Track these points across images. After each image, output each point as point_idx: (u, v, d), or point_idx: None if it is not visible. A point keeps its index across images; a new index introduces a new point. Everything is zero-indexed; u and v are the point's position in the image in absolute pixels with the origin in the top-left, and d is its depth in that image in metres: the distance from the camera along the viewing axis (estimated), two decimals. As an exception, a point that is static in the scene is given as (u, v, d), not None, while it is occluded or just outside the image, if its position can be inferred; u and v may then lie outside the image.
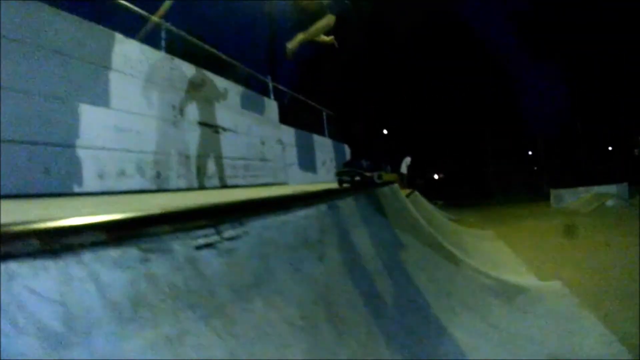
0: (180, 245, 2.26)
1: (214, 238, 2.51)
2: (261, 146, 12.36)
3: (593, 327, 5.46)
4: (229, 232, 2.65)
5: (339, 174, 6.66)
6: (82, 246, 1.83)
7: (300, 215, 3.77)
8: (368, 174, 6.53)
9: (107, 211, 2.11)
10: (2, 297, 1.54)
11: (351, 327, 3.34)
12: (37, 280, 1.65)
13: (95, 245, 1.87)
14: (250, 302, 2.56)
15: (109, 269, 1.88)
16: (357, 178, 6.44)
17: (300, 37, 6.33)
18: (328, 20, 6.25)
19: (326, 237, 4.05)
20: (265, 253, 2.95)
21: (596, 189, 26.58)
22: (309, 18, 6.46)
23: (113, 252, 1.92)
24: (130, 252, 1.99)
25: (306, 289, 3.19)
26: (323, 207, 4.39)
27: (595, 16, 48.37)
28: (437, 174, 43.61)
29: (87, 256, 1.83)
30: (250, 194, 6.23)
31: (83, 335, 1.68)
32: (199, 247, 2.38)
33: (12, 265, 1.61)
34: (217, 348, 2.13)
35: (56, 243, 1.76)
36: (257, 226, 2.97)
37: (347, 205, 5.15)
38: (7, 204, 3.51)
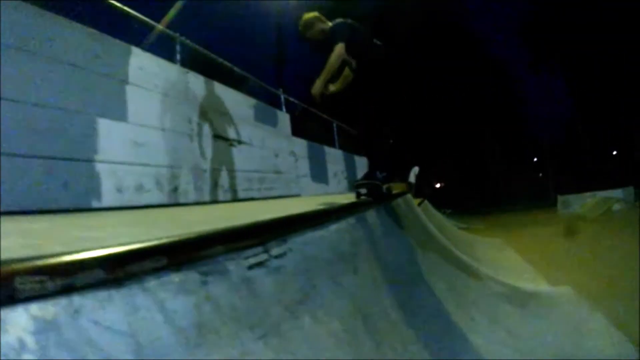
0: (235, 266, 2.24)
1: (263, 257, 2.51)
2: (275, 158, 12.31)
3: (605, 330, 5.53)
4: (275, 250, 2.65)
5: (357, 187, 6.64)
6: (145, 273, 1.79)
7: (332, 229, 3.78)
8: (381, 186, 6.52)
9: (161, 234, 2.07)
10: (68, 333, 1.46)
11: (386, 337, 3.37)
12: (103, 312, 1.60)
13: (157, 270, 1.83)
14: (299, 318, 2.52)
15: (173, 294, 1.85)
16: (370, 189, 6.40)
17: (319, 83, 6.17)
18: (338, 51, 6.02)
19: (357, 250, 4.06)
20: (307, 269, 2.94)
21: (602, 193, 26.42)
22: (317, 48, 6.56)
23: (175, 277, 1.90)
24: (190, 276, 1.96)
25: (345, 302, 3.18)
26: (352, 220, 4.41)
27: (599, 18, 48.45)
28: (438, 183, 43.30)
29: (151, 283, 1.80)
30: (272, 207, 6.25)
31: (154, 365, 1.64)
32: (250, 267, 2.37)
33: (76, 298, 1.55)
34: (277, 367, 2.12)
35: (119, 271, 1.71)
36: (298, 242, 2.96)
37: (371, 217, 5.17)
38: (36, 224, 3.51)
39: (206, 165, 8.88)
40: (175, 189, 7.75)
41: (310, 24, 6.60)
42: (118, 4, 7.40)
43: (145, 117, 7.33)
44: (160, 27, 9.06)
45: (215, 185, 9.06)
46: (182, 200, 7.87)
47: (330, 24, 6.48)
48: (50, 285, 1.47)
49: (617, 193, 25.63)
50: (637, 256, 9.78)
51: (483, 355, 4.40)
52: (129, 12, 7.74)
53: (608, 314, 5.96)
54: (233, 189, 9.75)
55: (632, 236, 13.09)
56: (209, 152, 9.06)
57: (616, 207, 22.26)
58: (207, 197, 8.67)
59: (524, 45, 60.48)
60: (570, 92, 59.49)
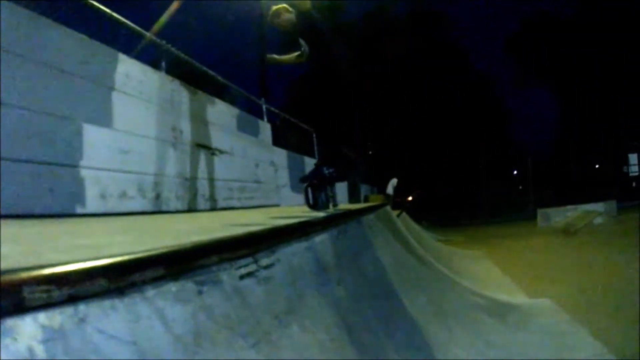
0: (227, 276, 2.29)
1: (253, 267, 2.56)
2: (255, 168, 12.44)
3: (585, 341, 5.68)
4: (264, 261, 2.71)
5: (302, 180, 6.82)
6: (145, 282, 1.83)
7: (317, 240, 3.84)
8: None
9: (159, 244, 2.12)
10: (74, 342, 1.49)
11: (369, 347, 3.45)
12: (107, 321, 1.63)
13: (156, 280, 1.88)
14: (289, 327, 2.60)
15: (171, 303, 1.90)
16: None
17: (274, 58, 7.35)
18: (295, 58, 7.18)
19: (340, 261, 4.13)
20: (294, 279, 3.00)
21: (584, 207, 26.50)
22: (285, 34, 7.25)
23: (173, 287, 1.94)
24: (187, 286, 2.01)
25: (330, 312, 3.25)
26: (334, 232, 4.47)
27: (585, 35, 48.94)
28: (416, 194, 42.95)
29: (151, 292, 1.84)
30: (254, 216, 6.29)
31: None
32: (242, 277, 2.42)
33: (82, 307, 1.57)
34: (268, 374, 2.18)
35: (122, 280, 1.75)
36: (286, 253, 3.03)
37: (353, 229, 5.24)
38: (25, 229, 3.50)
39: (188, 173, 8.91)
40: (157, 197, 7.76)
41: (277, 13, 7.04)
42: (107, 10, 7.42)
43: (130, 124, 7.30)
44: (149, 35, 9.09)
45: (196, 193, 9.08)
46: (164, 208, 7.86)
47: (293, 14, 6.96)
48: (57, 294, 1.50)
49: (598, 207, 25.67)
50: (616, 269, 9.91)
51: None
52: (118, 19, 7.75)
53: (588, 326, 6.06)
54: (214, 197, 9.79)
55: (612, 249, 13.27)
56: (190, 161, 9.08)
57: (597, 220, 22.33)
58: (188, 205, 8.69)
59: (509, 60, 61.01)
60: (554, 107, 59.96)
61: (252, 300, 2.41)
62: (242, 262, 2.49)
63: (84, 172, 6.21)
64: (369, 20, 51.36)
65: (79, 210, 6.08)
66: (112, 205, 6.70)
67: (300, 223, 3.88)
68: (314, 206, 6.27)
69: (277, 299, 2.68)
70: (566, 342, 5.72)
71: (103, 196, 6.53)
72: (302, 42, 6.91)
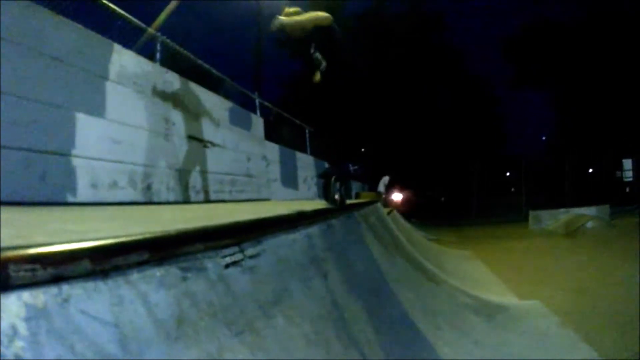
0: (212, 264, 2.31)
1: (238, 256, 2.57)
2: (247, 162, 12.41)
3: (574, 344, 5.68)
4: (250, 250, 2.72)
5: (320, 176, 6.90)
6: (130, 266, 1.85)
7: (305, 233, 3.86)
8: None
9: (144, 230, 2.13)
10: (57, 321, 1.51)
11: (355, 342, 3.45)
12: (90, 302, 1.65)
13: (140, 264, 1.89)
14: (273, 318, 2.61)
15: (155, 288, 1.91)
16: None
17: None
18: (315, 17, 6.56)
19: (328, 255, 4.14)
20: (280, 270, 3.02)
21: (576, 210, 26.25)
22: (292, 41, 6.83)
23: (157, 272, 1.95)
24: (171, 271, 2.03)
25: (316, 305, 3.27)
26: (323, 226, 4.48)
27: (583, 40, 49.01)
28: (401, 194, 42.43)
29: (134, 276, 1.86)
30: (246, 209, 6.29)
31: (137, 355, 1.70)
32: (227, 265, 2.43)
33: (65, 287, 1.60)
34: (251, 363, 2.19)
35: (106, 263, 1.77)
36: (272, 244, 3.04)
37: (342, 224, 5.25)
38: (17, 215, 3.48)
39: (179, 165, 8.92)
40: (148, 188, 7.75)
41: (289, 13, 6.80)
42: (110, 3, 7.45)
43: (123, 115, 7.30)
44: (149, 30, 9.10)
45: (187, 185, 9.10)
46: (154, 199, 7.87)
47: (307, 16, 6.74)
48: (41, 273, 1.52)
49: (591, 211, 25.47)
50: (607, 273, 9.93)
51: (449, 363, 4.52)
52: (119, 12, 7.76)
53: (577, 329, 6.07)
54: (205, 190, 9.80)
55: (604, 253, 13.26)
56: (183, 153, 9.10)
57: (590, 224, 22.19)
58: (179, 197, 8.71)
59: (504, 63, 61.10)
60: (549, 111, 60.10)
61: (237, 289, 2.42)
62: (228, 251, 2.51)
63: (75, 161, 6.20)
64: (364, 21, 51.26)
65: (70, 198, 6.08)
66: (103, 194, 6.69)
67: (288, 215, 3.89)
68: (335, 201, 6.29)
69: (263, 289, 2.69)
70: (555, 344, 5.73)
71: (94, 185, 6.52)
72: (317, 55, 6.82)
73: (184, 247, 2.17)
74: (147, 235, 2.01)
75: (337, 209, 5.66)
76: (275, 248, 3.07)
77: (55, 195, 5.85)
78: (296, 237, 3.60)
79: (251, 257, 2.70)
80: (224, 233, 2.56)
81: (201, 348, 1.98)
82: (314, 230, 4.16)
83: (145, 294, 1.86)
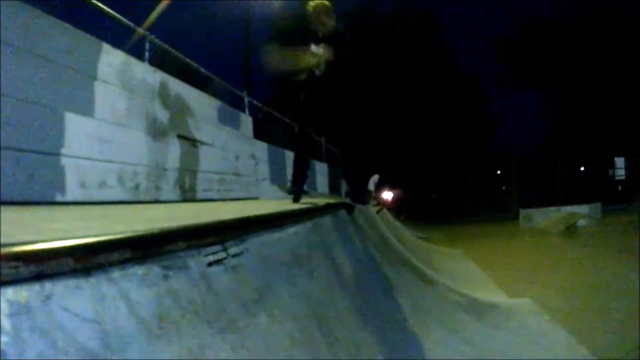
0: (195, 262, 2.34)
1: (221, 255, 2.60)
2: (235, 161, 12.49)
3: (566, 343, 5.63)
4: (233, 249, 2.74)
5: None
6: (111, 264, 1.88)
7: (290, 232, 3.88)
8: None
9: (127, 228, 2.16)
10: (40, 318, 1.54)
11: (340, 340, 3.47)
12: (72, 300, 1.68)
13: (122, 262, 1.92)
14: (256, 316, 2.64)
15: (136, 286, 1.94)
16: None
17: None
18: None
19: (313, 254, 4.16)
20: (264, 269, 3.04)
21: (568, 208, 26.27)
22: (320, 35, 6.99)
23: (139, 270, 1.98)
24: (153, 269, 2.06)
25: (301, 303, 3.29)
26: (309, 224, 4.50)
27: (576, 40, 49.13)
28: (391, 192, 42.23)
29: (116, 274, 1.88)
30: (235, 209, 6.31)
31: (118, 352, 1.72)
32: (210, 264, 2.46)
33: (48, 285, 1.61)
34: (233, 361, 2.21)
35: (88, 261, 1.79)
36: (256, 243, 3.06)
37: (329, 223, 5.26)
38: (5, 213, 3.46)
39: (168, 164, 8.96)
40: (137, 187, 7.79)
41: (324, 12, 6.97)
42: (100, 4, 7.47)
43: (111, 114, 7.34)
44: (140, 30, 9.12)
45: (175, 184, 9.15)
46: (143, 198, 7.91)
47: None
48: (24, 271, 1.55)
49: (582, 209, 25.35)
50: (597, 272, 9.96)
51: (438, 362, 4.52)
52: (109, 13, 7.81)
53: (567, 326, 6.07)
54: (193, 189, 9.85)
55: (595, 252, 13.28)
56: (171, 152, 9.14)
57: (581, 222, 22.05)
58: (167, 196, 8.76)
59: (497, 62, 61.17)
60: (541, 109, 60.09)
61: (220, 288, 2.45)
62: (211, 249, 2.53)
63: (64, 161, 6.24)
64: (355, 19, 51.18)
65: (59, 198, 6.10)
66: (92, 194, 6.71)
67: (272, 214, 3.91)
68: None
69: (246, 287, 2.72)
70: (545, 342, 5.70)
71: (83, 185, 6.55)
72: (317, 48, 6.87)
73: (166, 245, 2.20)
74: (129, 234, 2.05)
75: (324, 208, 5.67)
76: (259, 247, 3.09)
77: (44, 195, 5.88)
78: (281, 236, 3.62)
79: (234, 255, 2.72)
80: (206, 232, 2.59)
81: (182, 345, 2.00)
82: (300, 228, 4.18)
83: (127, 291, 1.88)
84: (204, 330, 2.15)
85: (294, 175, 7.19)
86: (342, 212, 6.17)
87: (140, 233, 2.12)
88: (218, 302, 2.37)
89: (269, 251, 3.24)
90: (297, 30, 6.96)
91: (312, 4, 6.83)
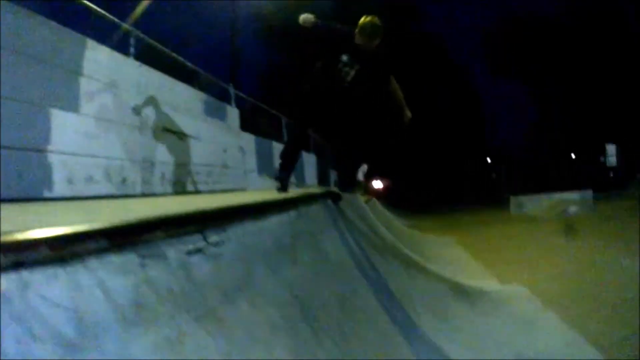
0: (173, 251, 2.37)
1: (201, 244, 2.62)
2: (223, 153, 12.60)
3: (559, 329, 5.64)
4: (214, 238, 2.76)
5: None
6: (88, 253, 1.91)
7: (274, 221, 3.90)
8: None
9: (106, 218, 2.18)
10: (18, 306, 1.58)
11: (325, 327, 3.48)
12: (49, 288, 1.71)
13: (99, 251, 1.96)
14: (237, 304, 2.67)
15: (113, 275, 1.97)
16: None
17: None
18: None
19: (298, 242, 4.18)
20: (246, 258, 3.06)
21: (558, 195, 25.99)
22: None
23: (116, 259, 2.02)
24: (130, 258, 2.09)
25: (283, 291, 3.31)
26: (293, 213, 4.51)
27: (562, 27, 49.23)
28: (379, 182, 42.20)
29: (93, 263, 1.91)
30: (220, 199, 6.33)
31: (94, 339, 1.76)
32: (189, 253, 2.48)
33: (25, 274, 1.65)
34: (212, 348, 2.24)
35: (65, 250, 1.83)
36: (238, 232, 3.08)
37: (315, 211, 5.28)
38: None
39: (155, 158, 9.02)
40: (123, 181, 7.83)
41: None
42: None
43: (97, 109, 7.39)
44: (125, 25, 9.13)
45: (163, 177, 9.20)
46: (130, 192, 7.95)
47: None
48: (2, 260, 1.60)
49: (574, 196, 25.23)
50: (588, 257, 9.98)
51: (428, 349, 4.53)
52: (95, 9, 7.80)
53: (561, 313, 6.07)
54: (181, 181, 9.92)
55: (586, 238, 13.30)
56: (158, 145, 9.20)
57: (572, 209, 22.01)
58: (155, 190, 8.81)
59: (485, 52, 61.23)
60: (530, 97, 60.17)
61: (199, 276, 2.48)
62: (190, 238, 2.55)
63: (51, 157, 6.28)
64: (340, 11, 51.00)
65: (47, 194, 6.14)
66: (79, 189, 6.76)
67: (255, 203, 3.93)
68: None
69: (226, 276, 2.75)
70: (539, 329, 5.69)
71: (70, 180, 6.59)
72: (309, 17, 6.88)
73: (144, 235, 2.23)
74: (106, 224, 2.07)
75: (310, 197, 5.69)
76: (241, 236, 3.11)
77: (32, 191, 5.91)
78: (264, 225, 3.64)
79: (215, 244, 2.74)
80: (185, 221, 2.61)
81: (160, 333, 2.03)
82: (284, 217, 4.20)
83: (104, 280, 1.91)
84: (182, 318, 2.18)
85: (282, 165, 7.20)
86: (328, 201, 6.17)
87: (117, 223, 2.14)
88: (197, 290, 2.40)
89: (251, 240, 3.26)
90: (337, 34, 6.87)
91: (366, 19, 6.81)
